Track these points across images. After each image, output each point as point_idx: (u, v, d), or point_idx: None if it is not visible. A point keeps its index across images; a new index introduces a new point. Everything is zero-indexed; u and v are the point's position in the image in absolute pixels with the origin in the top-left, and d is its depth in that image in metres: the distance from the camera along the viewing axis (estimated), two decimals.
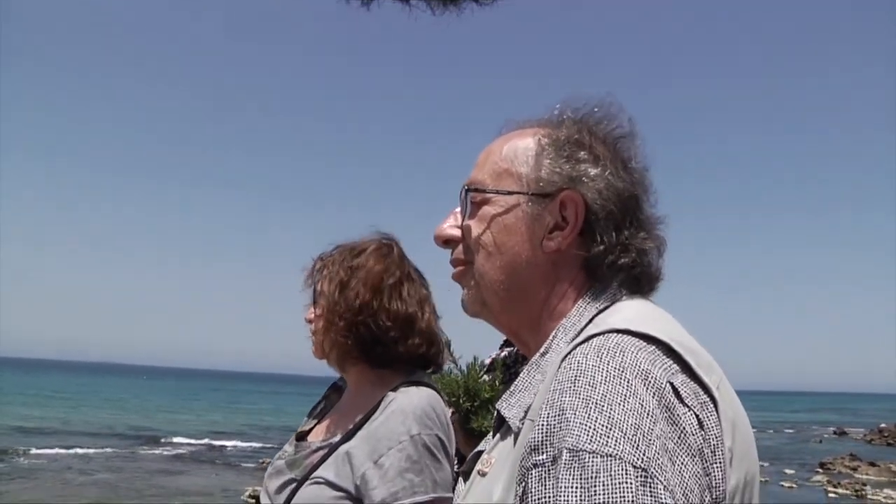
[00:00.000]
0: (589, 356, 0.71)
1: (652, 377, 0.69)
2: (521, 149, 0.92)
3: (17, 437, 25.29)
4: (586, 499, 0.61)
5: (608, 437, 0.63)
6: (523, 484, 0.67)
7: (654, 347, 0.73)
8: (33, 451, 21.82)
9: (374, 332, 1.52)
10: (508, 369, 2.65)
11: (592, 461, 0.62)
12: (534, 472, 0.66)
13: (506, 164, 0.91)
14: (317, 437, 1.58)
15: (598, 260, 0.86)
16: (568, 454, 0.63)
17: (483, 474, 0.82)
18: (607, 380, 0.67)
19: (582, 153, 0.89)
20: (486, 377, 2.45)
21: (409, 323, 1.55)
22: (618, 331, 0.74)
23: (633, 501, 0.60)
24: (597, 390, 0.67)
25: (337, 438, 1.49)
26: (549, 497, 0.63)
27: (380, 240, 1.64)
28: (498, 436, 0.85)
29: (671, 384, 0.69)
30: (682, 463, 0.65)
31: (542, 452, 0.66)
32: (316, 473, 1.44)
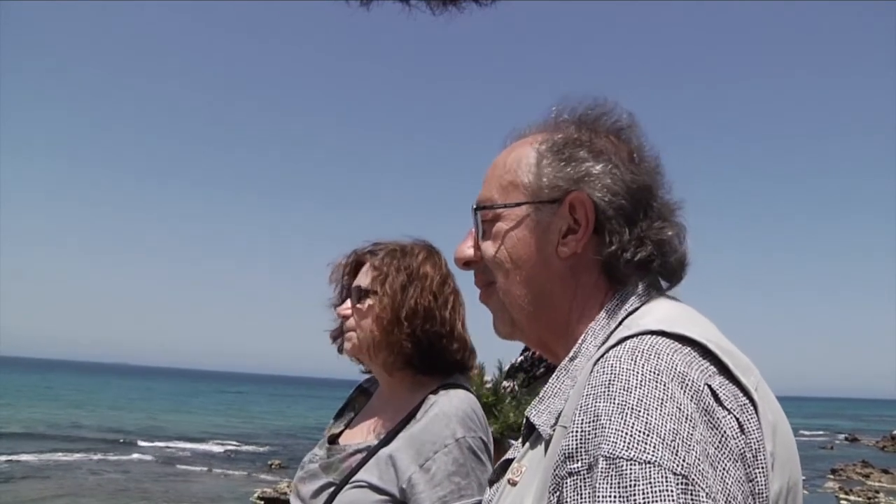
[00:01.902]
0: (623, 359, 0.69)
1: (689, 380, 0.67)
2: (523, 159, 0.90)
3: (26, 437, 25.45)
4: None
5: (646, 443, 0.61)
6: (557, 493, 0.65)
7: (689, 349, 0.71)
8: (43, 451, 21.93)
9: (431, 337, 1.53)
10: (526, 373, 2.65)
11: (630, 469, 0.60)
12: (569, 480, 0.64)
13: (511, 176, 0.90)
14: (351, 440, 1.58)
15: (614, 258, 0.84)
16: (604, 462, 0.61)
17: (513, 483, 0.80)
18: (643, 384, 0.65)
19: (581, 152, 0.87)
20: (506, 383, 2.46)
21: (453, 329, 1.57)
22: (651, 332, 0.72)
23: None
24: (632, 395, 0.65)
25: (375, 441, 1.48)
26: None
27: (426, 244, 1.67)
28: (528, 444, 0.83)
29: (709, 386, 0.67)
30: (724, 468, 0.63)
31: (577, 460, 0.64)
32: (357, 477, 1.44)
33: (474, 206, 0.93)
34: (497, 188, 0.91)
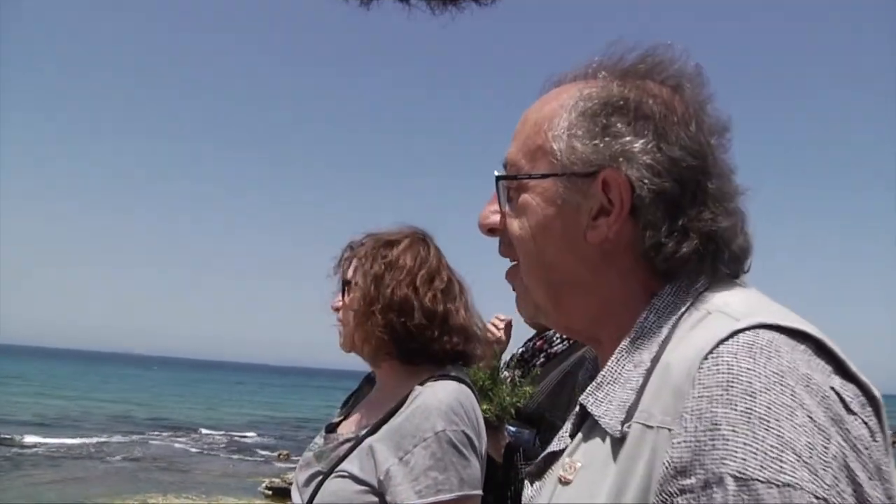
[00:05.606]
0: (740, 357, 0.58)
1: (814, 383, 0.58)
2: (553, 120, 0.77)
3: (34, 425, 25.62)
4: None
5: (781, 461, 0.52)
6: None
7: (805, 346, 0.61)
8: (51, 439, 22.06)
9: (410, 329, 1.49)
10: (526, 364, 2.52)
11: (768, 493, 0.51)
12: (680, 499, 0.55)
13: (540, 138, 0.77)
14: (345, 429, 1.58)
15: (653, 251, 0.71)
16: (734, 483, 0.52)
17: (566, 482, 0.68)
18: (768, 388, 0.56)
19: (620, 124, 0.72)
20: (506, 373, 2.32)
21: (444, 320, 1.52)
22: (766, 326, 0.61)
23: None
24: (758, 401, 0.55)
25: (363, 432, 1.46)
26: None
27: (414, 233, 1.62)
28: (580, 435, 0.71)
29: (833, 389, 0.59)
30: (859, 483, 0.54)
31: (692, 475, 0.55)
32: (341, 466, 1.43)
33: (497, 174, 0.82)
34: (524, 151, 0.79)
